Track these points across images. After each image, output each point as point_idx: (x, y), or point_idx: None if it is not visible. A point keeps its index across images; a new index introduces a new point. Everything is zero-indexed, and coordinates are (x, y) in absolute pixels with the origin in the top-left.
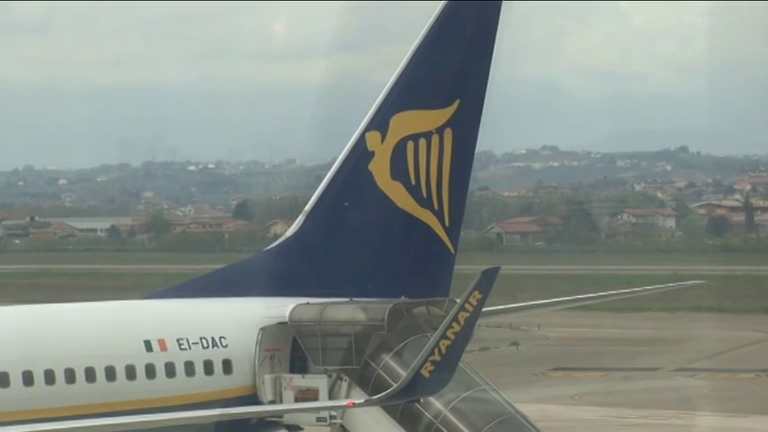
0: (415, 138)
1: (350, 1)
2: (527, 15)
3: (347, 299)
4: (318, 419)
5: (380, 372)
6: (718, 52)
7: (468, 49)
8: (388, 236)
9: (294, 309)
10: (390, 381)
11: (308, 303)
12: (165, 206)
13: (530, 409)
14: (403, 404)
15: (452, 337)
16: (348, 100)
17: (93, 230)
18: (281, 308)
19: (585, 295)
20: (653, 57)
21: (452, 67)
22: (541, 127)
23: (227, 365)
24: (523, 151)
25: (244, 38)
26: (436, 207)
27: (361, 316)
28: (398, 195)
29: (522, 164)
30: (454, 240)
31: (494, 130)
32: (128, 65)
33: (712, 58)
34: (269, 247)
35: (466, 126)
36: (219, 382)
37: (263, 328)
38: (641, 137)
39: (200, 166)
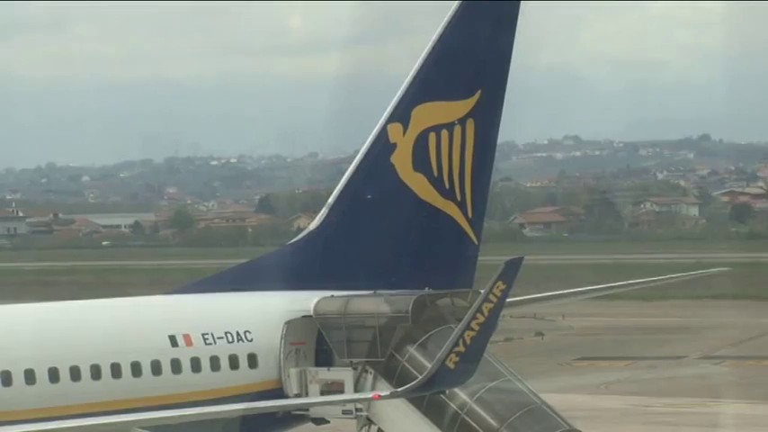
0: (437, 129)
1: None
2: (545, 5)
3: (371, 291)
4: (344, 412)
5: (405, 364)
6: (738, 38)
7: (488, 40)
8: (411, 228)
9: (318, 302)
10: (415, 372)
11: (332, 296)
12: (189, 201)
13: (555, 399)
14: (428, 396)
15: (477, 328)
16: (368, 92)
17: (117, 227)
18: (305, 301)
19: (610, 284)
20: (672, 44)
21: (473, 57)
22: (563, 117)
23: (253, 360)
24: (545, 141)
25: (261, 32)
26: (459, 198)
27: (385, 308)
28: (421, 187)
29: (544, 154)
30: (477, 231)
31: (515, 121)
32: (146, 60)
33: (731, 45)
34: (292, 241)
35: (488, 117)
36: (245, 377)
37: (287, 322)
38: (663, 125)
39: (223, 161)
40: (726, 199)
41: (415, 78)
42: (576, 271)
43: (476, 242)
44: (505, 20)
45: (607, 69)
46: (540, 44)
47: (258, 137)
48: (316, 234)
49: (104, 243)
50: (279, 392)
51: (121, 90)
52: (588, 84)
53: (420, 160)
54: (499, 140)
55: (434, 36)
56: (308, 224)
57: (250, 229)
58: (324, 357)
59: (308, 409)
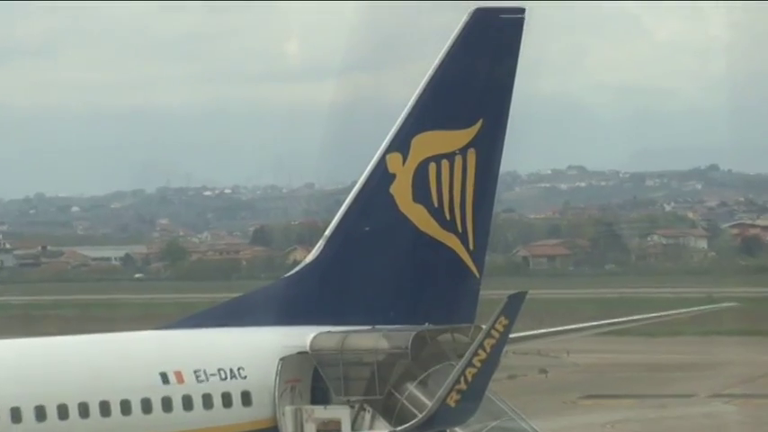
0: (437, 159)
1: (365, 17)
2: (547, 31)
3: (369, 326)
4: None
5: (405, 402)
6: (745, 66)
7: (490, 68)
8: (410, 261)
9: (315, 337)
10: (415, 411)
11: (328, 332)
12: (181, 233)
13: None
14: None
15: (479, 364)
16: (366, 121)
17: (107, 259)
18: (301, 337)
19: (616, 320)
20: (678, 71)
21: (475, 85)
22: (567, 146)
23: (247, 397)
24: (549, 171)
25: (256, 58)
26: (460, 230)
27: (383, 344)
28: (421, 218)
29: (548, 184)
30: (479, 264)
31: (518, 150)
32: (137, 88)
33: (738, 73)
34: (288, 274)
35: (490, 146)
36: (238, 415)
37: (282, 359)
38: (670, 155)
39: (217, 192)
40: (735, 231)
41: (415, 107)
42: (581, 306)
43: (477, 275)
44: (507, 48)
45: (612, 97)
46: (542, 71)
47: (253, 166)
48: (312, 267)
49: (93, 278)
50: None
51: (112, 118)
52: (592, 112)
53: (420, 191)
54: (501, 170)
55: (434, 63)
56: (305, 257)
57: (244, 262)
58: (320, 395)
59: None
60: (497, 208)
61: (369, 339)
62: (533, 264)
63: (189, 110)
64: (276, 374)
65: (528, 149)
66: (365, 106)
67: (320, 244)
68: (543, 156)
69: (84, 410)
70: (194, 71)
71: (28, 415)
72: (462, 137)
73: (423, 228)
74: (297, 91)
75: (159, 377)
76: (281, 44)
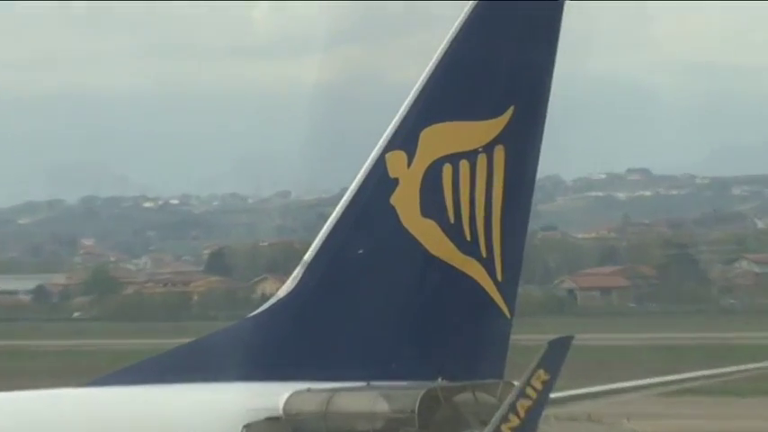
0: (454, 159)
1: None
2: None
3: (363, 383)
4: None
5: None
6: None
7: (525, 38)
8: (418, 295)
9: (290, 398)
10: None
11: (308, 390)
12: (112, 258)
13: None
14: None
15: None
16: (360, 109)
17: (13, 293)
18: (271, 396)
19: (690, 374)
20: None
21: (504, 63)
22: (625, 143)
23: None
24: (603, 176)
25: (215, 28)
26: (484, 254)
27: (382, 406)
28: (432, 238)
29: (600, 193)
30: (509, 300)
31: (561, 148)
32: (58, 67)
33: None
34: (255, 313)
35: (523, 142)
36: None
37: (247, 426)
38: (761, 154)
39: (160, 202)
40: None
41: (424, 91)
42: (644, 355)
43: (508, 315)
44: (546, 16)
45: (683, 78)
46: (592, 47)
47: (209, 169)
48: (287, 303)
49: None
50: None
51: (24, 106)
52: (658, 98)
53: (431, 202)
54: (539, 174)
55: (450, 34)
56: (277, 289)
57: (196, 297)
58: None
59: None
60: (534, 224)
61: (362, 400)
62: (582, 299)
63: (127, 95)
64: None
65: (574, 147)
66: (358, 90)
67: (297, 272)
68: (594, 156)
69: None
70: (135, 45)
71: None
72: (487, 129)
73: (434, 251)
74: (267, 70)
75: None
76: (246, 9)
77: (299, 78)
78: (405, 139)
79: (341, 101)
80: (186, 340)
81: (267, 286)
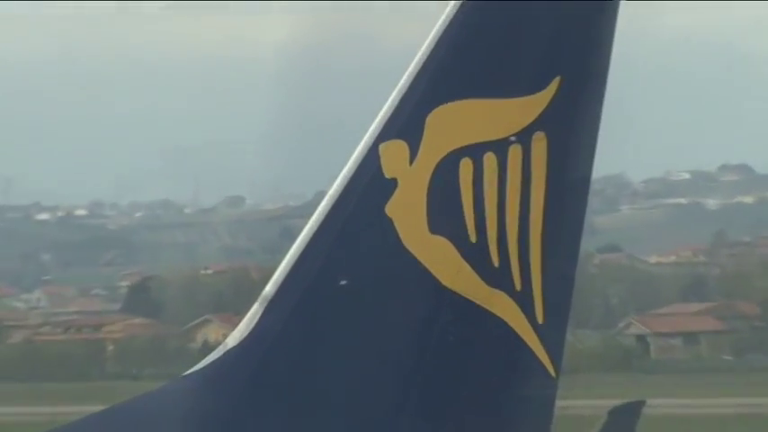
0: (475, 152)
1: None
2: None
3: None
4: None
5: None
6: None
7: None
8: (425, 343)
9: None
10: None
11: None
12: None
13: None
14: None
15: None
16: (346, 82)
17: None
18: None
19: None
20: None
21: (546, 15)
22: (714, 130)
23: None
24: (686, 175)
25: None
26: (518, 286)
27: None
28: (445, 264)
29: (683, 200)
30: (554, 350)
31: (627, 138)
32: None
33: None
34: (194, 370)
35: (573, 127)
36: None
37: None
38: None
39: (60, 214)
40: None
41: (433, 57)
42: (743, 427)
43: (552, 371)
44: None
45: None
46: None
47: (130, 167)
48: (239, 356)
49: None
50: None
51: None
52: (758, 65)
53: (443, 212)
54: (597, 174)
55: None
56: (224, 337)
57: (111, 346)
58: None
59: None
60: (589, 243)
61: None
62: (656, 348)
63: (10, 65)
64: None
65: (645, 136)
66: (343, 56)
67: (255, 312)
68: (672, 149)
69: None
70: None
71: None
72: (522, 110)
73: (448, 281)
74: (213, 27)
75: None
76: None
77: (260, 40)
78: (406, 123)
79: (318, 71)
80: (97, 408)
81: (211, 332)
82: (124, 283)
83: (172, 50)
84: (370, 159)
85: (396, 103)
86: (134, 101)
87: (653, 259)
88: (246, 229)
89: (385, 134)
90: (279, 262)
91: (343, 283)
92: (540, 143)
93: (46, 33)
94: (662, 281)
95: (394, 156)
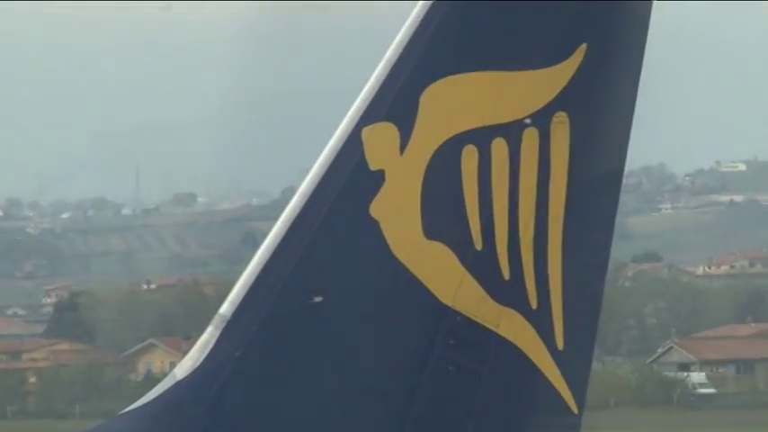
0: (481, 137)
1: None
2: None
3: None
4: None
5: None
6: None
7: None
8: (420, 372)
9: None
10: None
11: None
12: None
13: None
14: None
15: None
16: (322, 54)
17: None
18: None
19: None
20: None
21: None
22: None
23: None
24: (741, 166)
25: None
26: (533, 304)
27: None
28: (443, 276)
29: (738, 197)
30: (576, 381)
31: (670, 123)
32: None
33: None
34: (132, 407)
35: (601, 108)
36: None
37: None
38: None
39: None
40: None
41: (428, 21)
42: None
43: (574, 406)
44: None
45: None
46: None
47: (54, 155)
48: (191, 388)
49: None
50: None
51: None
52: None
53: (441, 212)
54: (630, 165)
55: None
56: (172, 365)
57: (34, 378)
58: None
59: None
60: (622, 251)
61: None
62: (705, 380)
63: None
64: None
65: (690, 121)
66: (316, 21)
67: (209, 335)
68: (723, 135)
69: None
70: None
71: None
72: (540, 85)
73: (447, 298)
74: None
75: None
76: None
77: (219, 11)
78: (395, 103)
79: (287, 40)
80: None
81: (155, 359)
82: (48, 301)
83: (105, 14)
84: (351, 147)
85: (382, 78)
86: (59, 73)
87: (699, 270)
88: (198, 234)
89: (369, 116)
90: (238, 274)
91: (316, 300)
92: (560, 126)
93: None
94: (710, 297)
95: (381, 143)
